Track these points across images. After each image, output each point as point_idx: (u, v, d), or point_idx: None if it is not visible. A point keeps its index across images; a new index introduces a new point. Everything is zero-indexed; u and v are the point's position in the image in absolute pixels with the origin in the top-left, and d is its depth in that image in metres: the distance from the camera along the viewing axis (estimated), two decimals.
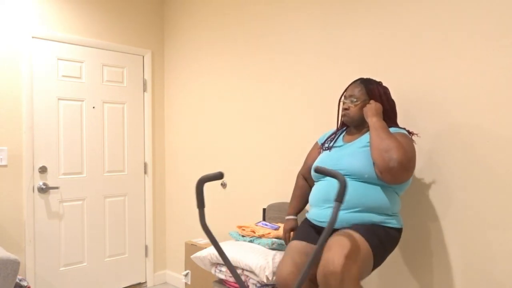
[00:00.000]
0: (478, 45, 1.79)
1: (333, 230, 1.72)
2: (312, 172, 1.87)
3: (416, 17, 1.99)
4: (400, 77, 2.06)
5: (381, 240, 1.62)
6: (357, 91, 1.82)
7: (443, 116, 1.90)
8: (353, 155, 1.73)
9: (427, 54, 1.95)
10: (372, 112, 1.74)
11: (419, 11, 1.98)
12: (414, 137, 2.00)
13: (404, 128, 1.83)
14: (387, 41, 2.11)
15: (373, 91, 1.80)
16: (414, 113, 2.00)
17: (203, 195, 1.41)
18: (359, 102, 1.81)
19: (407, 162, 1.59)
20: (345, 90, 1.89)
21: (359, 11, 2.23)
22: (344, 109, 1.84)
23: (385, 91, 1.83)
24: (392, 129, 1.79)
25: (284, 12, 2.64)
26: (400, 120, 2.06)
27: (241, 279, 1.37)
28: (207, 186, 3.25)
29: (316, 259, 1.36)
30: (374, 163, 1.67)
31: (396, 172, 1.58)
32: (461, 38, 1.84)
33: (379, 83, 1.85)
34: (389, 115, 1.83)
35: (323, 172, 1.49)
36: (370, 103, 1.78)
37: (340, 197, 1.39)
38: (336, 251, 1.50)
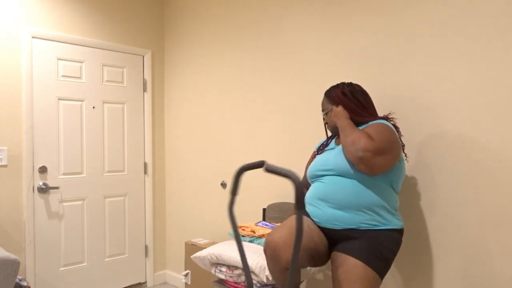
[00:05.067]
0: (469, 48, 1.79)
1: (334, 231, 1.73)
2: (307, 176, 1.91)
3: (412, 21, 1.99)
4: (393, 78, 2.06)
5: (383, 255, 1.62)
6: (324, 104, 1.92)
7: (435, 117, 1.90)
8: (339, 153, 1.76)
9: (421, 57, 1.95)
10: (336, 117, 1.82)
11: (416, 14, 1.98)
12: (405, 126, 2.01)
13: (381, 117, 1.81)
14: (385, 43, 2.11)
15: (332, 97, 1.87)
16: (406, 114, 2.00)
17: (239, 183, 1.34)
18: (328, 112, 1.89)
19: (375, 148, 1.58)
20: None
21: (363, 13, 2.23)
22: (325, 123, 1.94)
23: (344, 90, 1.84)
24: (362, 126, 1.80)
25: (285, 12, 2.64)
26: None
27: (251, 278, 1.35)
28: (207, 186, 3.25)
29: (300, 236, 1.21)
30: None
31: (368, 159, 1.59)
32: (454, 42, 1.84)
33: (338, 86, 1.88)
34: (357, 110, 1.82)
35: (274, 172, 1.18)
36: (332, 110, 1.85)
37: (298, 203, 1.06)
38: None
